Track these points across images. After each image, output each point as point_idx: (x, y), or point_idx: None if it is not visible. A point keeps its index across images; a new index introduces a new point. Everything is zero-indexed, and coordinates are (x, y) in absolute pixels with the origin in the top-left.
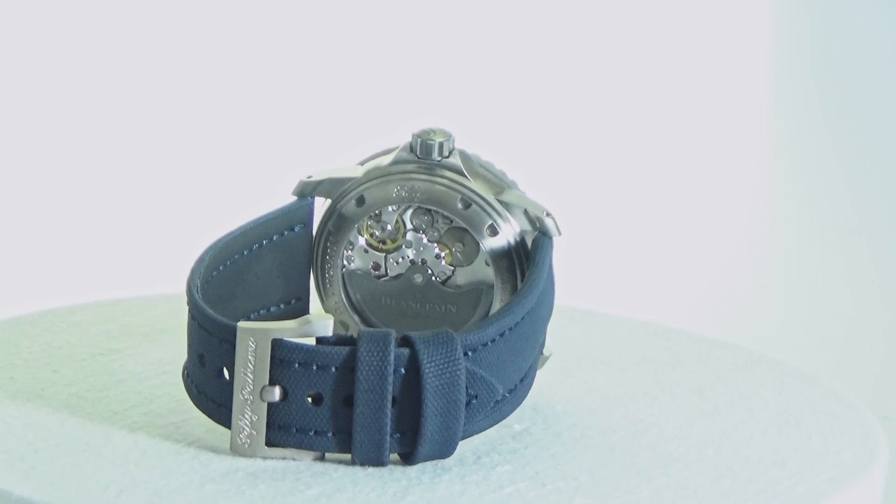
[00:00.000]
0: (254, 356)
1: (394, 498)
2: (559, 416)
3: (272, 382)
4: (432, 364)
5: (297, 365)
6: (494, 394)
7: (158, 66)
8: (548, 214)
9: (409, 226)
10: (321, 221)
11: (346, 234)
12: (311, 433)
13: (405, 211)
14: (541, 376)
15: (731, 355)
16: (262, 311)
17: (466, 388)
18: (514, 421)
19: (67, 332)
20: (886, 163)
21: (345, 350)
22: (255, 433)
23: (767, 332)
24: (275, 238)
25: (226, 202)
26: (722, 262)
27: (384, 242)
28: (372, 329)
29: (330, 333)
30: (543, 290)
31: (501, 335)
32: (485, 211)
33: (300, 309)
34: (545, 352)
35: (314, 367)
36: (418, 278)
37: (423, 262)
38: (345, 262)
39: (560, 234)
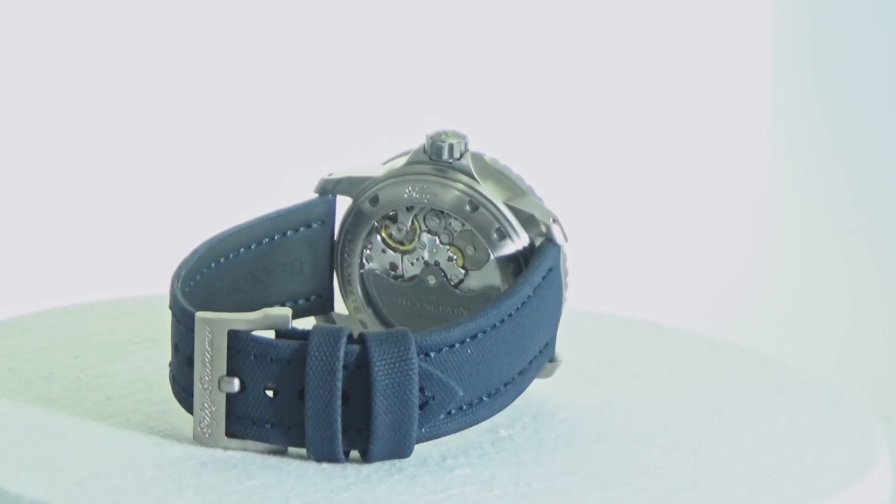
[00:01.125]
0: (211, 346)
1: (330, 493)
2: (554, 424)
3: (230, 373)
4: (382, 362)
5: (252, 357)
6: (453, 397)
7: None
8: (554, 221)
9: (423, 227)
10: (342, 220)
11: (362, 233)
12: (268, 426)
13: (420, 212)
14: (556, 383)
15: (754, 365)
16: (275, 307)
17: (423, 388)
18: (504, 426)
19: (114, 320)
20: (886, 163)
21: (296, 344)
22: (215, 423)
23: (767, 332)
24: (289, 234)
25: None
26: (722, 262)
27: (402, 243)
28: (325, 324)
29: (288, 327)
30: (539, 295)
31: (473, 338)
32: (492, 215)
33: (320, 306)
34: (556, 358)
35: (269, 360)
36: (432, 280)
37: (437, 263)
38: (364, 262)
39: (567, 240)
